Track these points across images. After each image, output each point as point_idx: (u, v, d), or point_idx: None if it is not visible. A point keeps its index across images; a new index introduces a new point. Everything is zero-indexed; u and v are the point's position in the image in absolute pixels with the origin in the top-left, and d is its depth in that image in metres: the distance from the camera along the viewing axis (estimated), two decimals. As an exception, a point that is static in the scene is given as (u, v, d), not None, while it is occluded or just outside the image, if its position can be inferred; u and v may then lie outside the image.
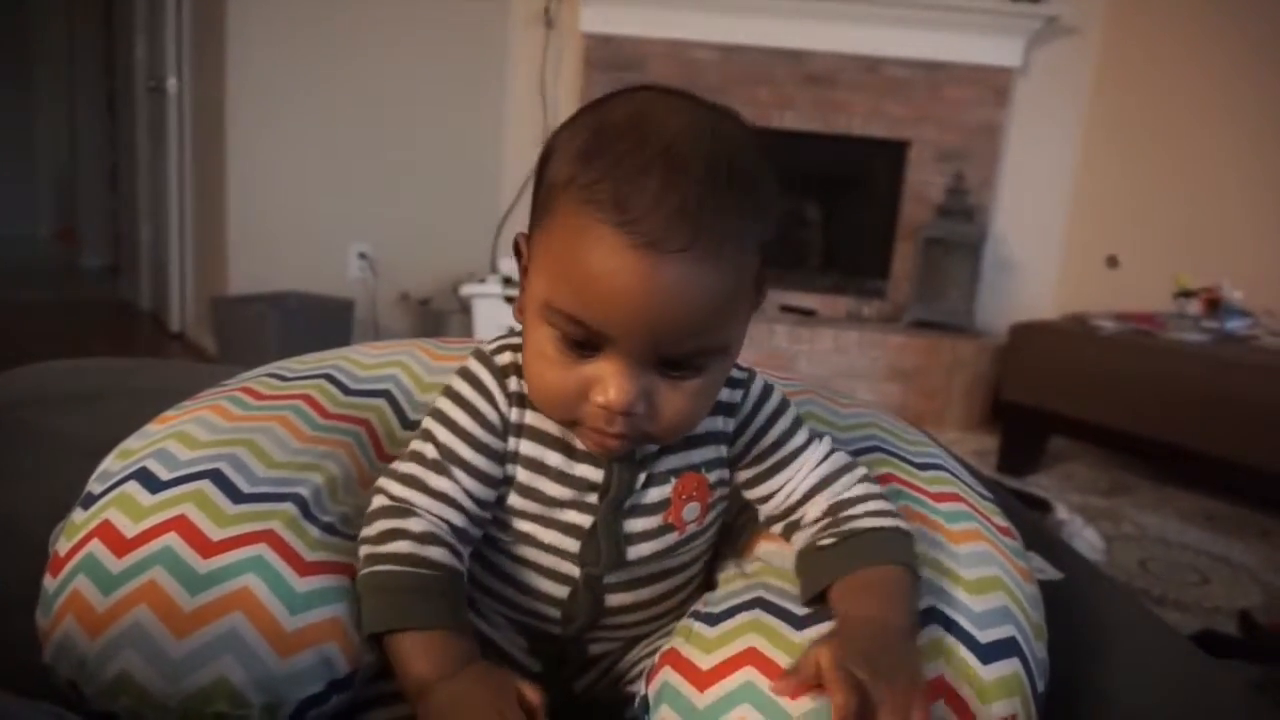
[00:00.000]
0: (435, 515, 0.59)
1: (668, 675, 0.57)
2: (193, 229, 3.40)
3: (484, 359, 0.62)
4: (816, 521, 0.63)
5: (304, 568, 0.59)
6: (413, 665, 0.54)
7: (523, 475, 0.61)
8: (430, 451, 0.61)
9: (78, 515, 0.64)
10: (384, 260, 3.31)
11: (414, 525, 0.58)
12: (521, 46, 3.51)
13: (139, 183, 3.80)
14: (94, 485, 0.66)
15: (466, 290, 2.96)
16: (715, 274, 0.51)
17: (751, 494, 0.66)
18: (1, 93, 5.35)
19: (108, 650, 0.55)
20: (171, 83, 3.31)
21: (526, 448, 0.61)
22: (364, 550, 0.59)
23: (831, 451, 0.65)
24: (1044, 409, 2.75)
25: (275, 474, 0.65)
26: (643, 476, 0.61)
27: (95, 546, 0.60)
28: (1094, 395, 2.62)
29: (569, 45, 3.48)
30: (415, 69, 3.29)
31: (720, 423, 0.64)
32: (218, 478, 0.63)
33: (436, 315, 3.22)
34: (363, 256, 3.30)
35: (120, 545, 0.59)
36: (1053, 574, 0.78)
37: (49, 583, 0.60)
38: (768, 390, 0.66)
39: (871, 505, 0.63)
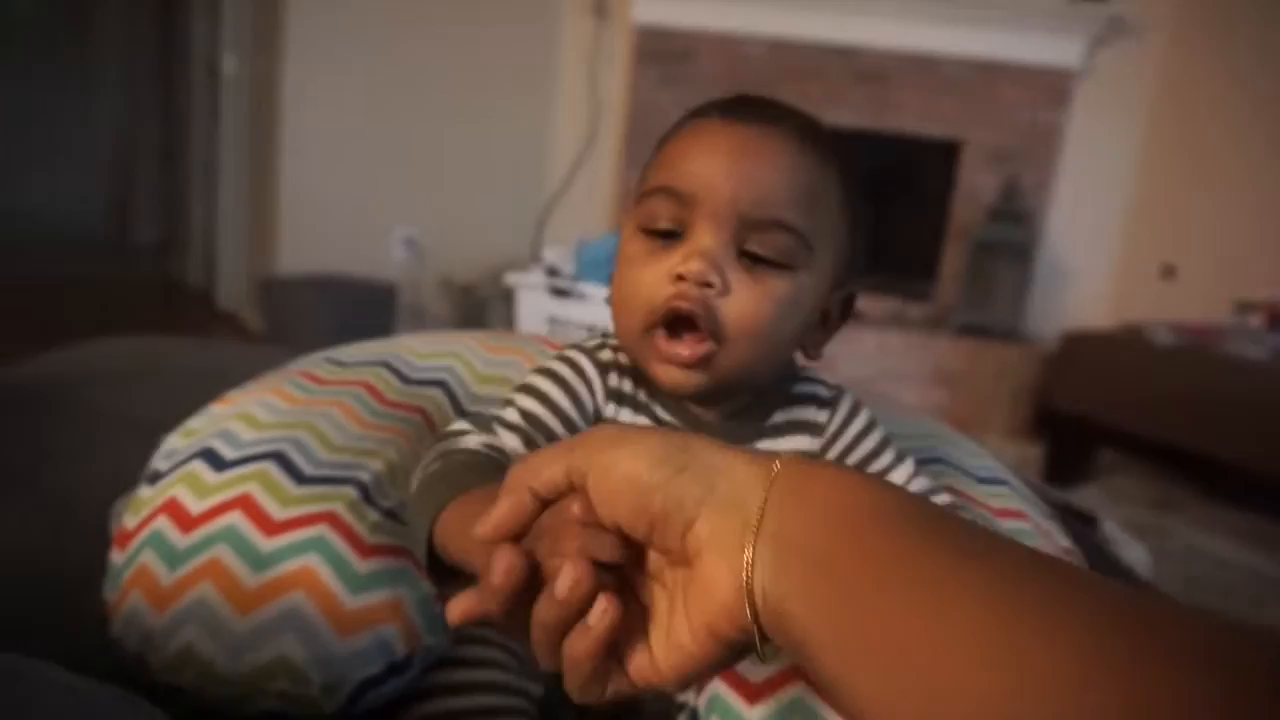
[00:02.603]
0: (499, 442, 0.57)
1: (717, 687, 0.57)
2: (244, 209, 3.45)
3: (586, 351, 0.62)
4: None
5: (365, 549, 0.59)
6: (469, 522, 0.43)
7: None
8: (511, 415, 0.59)
9: (144, 491, 0.65)
10: (429, 246, 3.34)
11: (476, 438, 0.56)
12: (573, 36, 3.51)
13: (192, 161, 3.86)
14: (160, 462, 0.67)
15: (510, 279, 2.97)
16: (801, 158, 0.55)
17: None
18: (60, 68, 5.47)
19: (173, 625, 0.56)
20: (228, 61, 3.36)
21: None
22: (416, 472, 0.55)
23: (915, 474, 0.64)
24: (1093, 419, 2.69)
25: (337, 458, 0.66)
26: None
27: (162, 522, 0.61)
28: (1145, 408, 2.56)
29: (620, 36, 3.47)
30: (467, 56, 3.30)
31: (808, 443, 0.63)
32: (280, 459, 0.64)
33: (479, 303, 3.24)
34: (408, 241, 3.33)
35: (186, 522, 0.60)
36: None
37: (116, 556, 0.61)
38: (855, 409, 0.65)
39: None
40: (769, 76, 3.31)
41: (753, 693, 0.55)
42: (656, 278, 0.54)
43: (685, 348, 0.54)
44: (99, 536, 0.67)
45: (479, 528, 0.38)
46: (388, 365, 0.79)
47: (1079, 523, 1.80)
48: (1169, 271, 3.30)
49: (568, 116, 3.55)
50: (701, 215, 0.54)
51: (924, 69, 3.33)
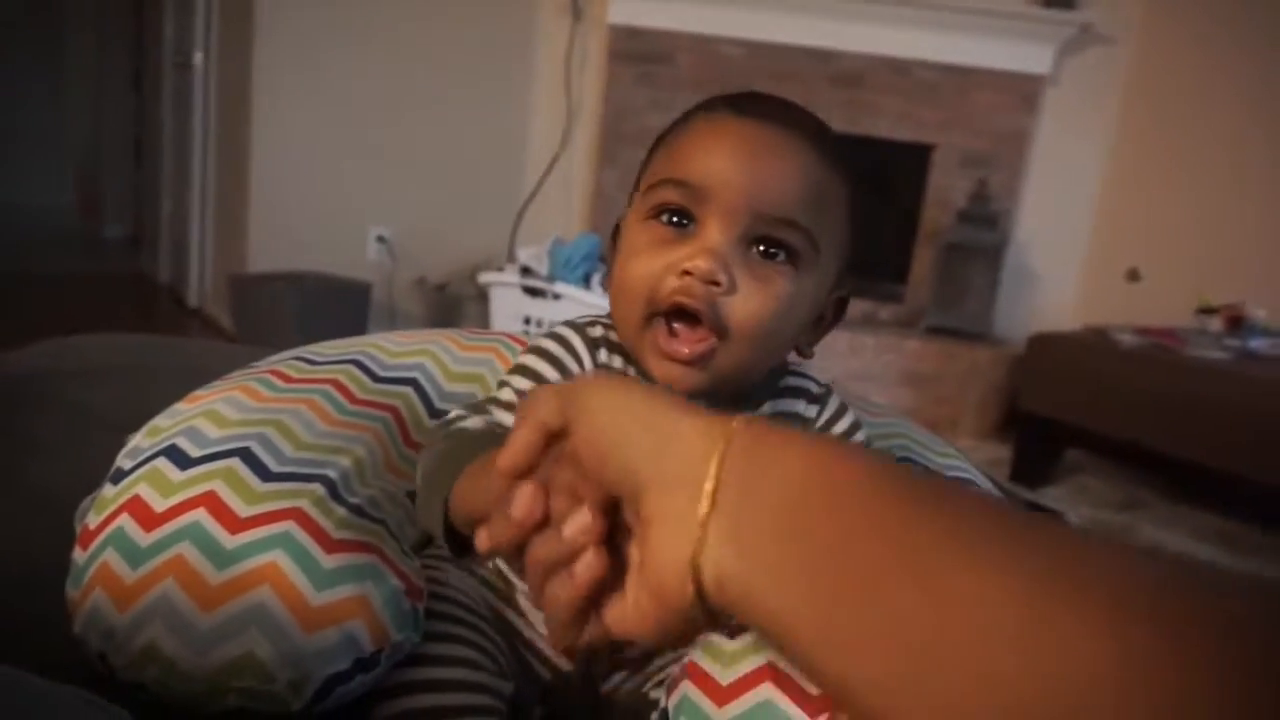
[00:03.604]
0: (504, 422, 0.57)
1: (687, 689, 0.57)
2: (214, 205, 3.41)
3: (576, 328, 0.63)
4: None
5: (331, 545, 0.59)
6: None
7: None
8: (506, 395, 0.59)
9: (108, 490, 0.64)
10: (402, 244, 3.32)
11: (479, 419, 0.56)
12: (548, 36, 3.51)
13: (162, 157, 3.81)
14: (124, 461, 0.67)
15: (485, 278, 2.96)
16: (813, 158, 0.56)
17: None
18: (30, 64, 5.38)
19: (136, 622, 0.56)
20: (198, 58, 3.32)
21: None
22: (423, 456, 0.56)
23: None
24: (1059, 420, 2.73)
25: (304, 455, 0.66)
26: None
27: (125, 521, 0.60)
28: (1111, 409, 2.60)
29: (595, 36, 3.47)
30: (441, 54, 3.29)
31: None
32: (247, 456, 0.64)
33: (453, 301, 3.23)
34: (381, 240, 3.31)
35: (150, 520, 0.60)
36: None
37: (79, 555, 0.61)
38: (842, 408, 0.66)
39: None
40: (745, 78, 3.32)
41: (722, 695, 0.55)
42: (661, 269, 0.55)
43: (686, 345, 0.55)
44: (67, 534, 0.67)
45: (499, 460, 0.38)
46: (358, 363, 0.79)
47: (1045, 522, 1.82)
48: (1133, 275, 3.36)
49: (543, 116, 3.54)
50: (713, 210, 0.54)
51: (899, 73, 3.36)
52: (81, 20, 5.26)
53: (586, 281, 2.80)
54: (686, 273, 0.53)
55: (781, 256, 0.55)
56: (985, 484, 0.77)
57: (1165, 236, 3.28)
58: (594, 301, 2.69)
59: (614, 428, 0.35)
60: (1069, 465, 2.88)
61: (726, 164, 0.54)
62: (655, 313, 0.55)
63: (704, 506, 0.31)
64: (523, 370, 0.61)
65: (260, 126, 3.03)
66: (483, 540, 0.38)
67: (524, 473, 0.37)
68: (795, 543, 0.29)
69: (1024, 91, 3.34)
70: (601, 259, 2.90)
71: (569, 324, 0.64)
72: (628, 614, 0.35)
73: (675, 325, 0.55)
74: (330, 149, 3.14)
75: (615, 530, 0.36)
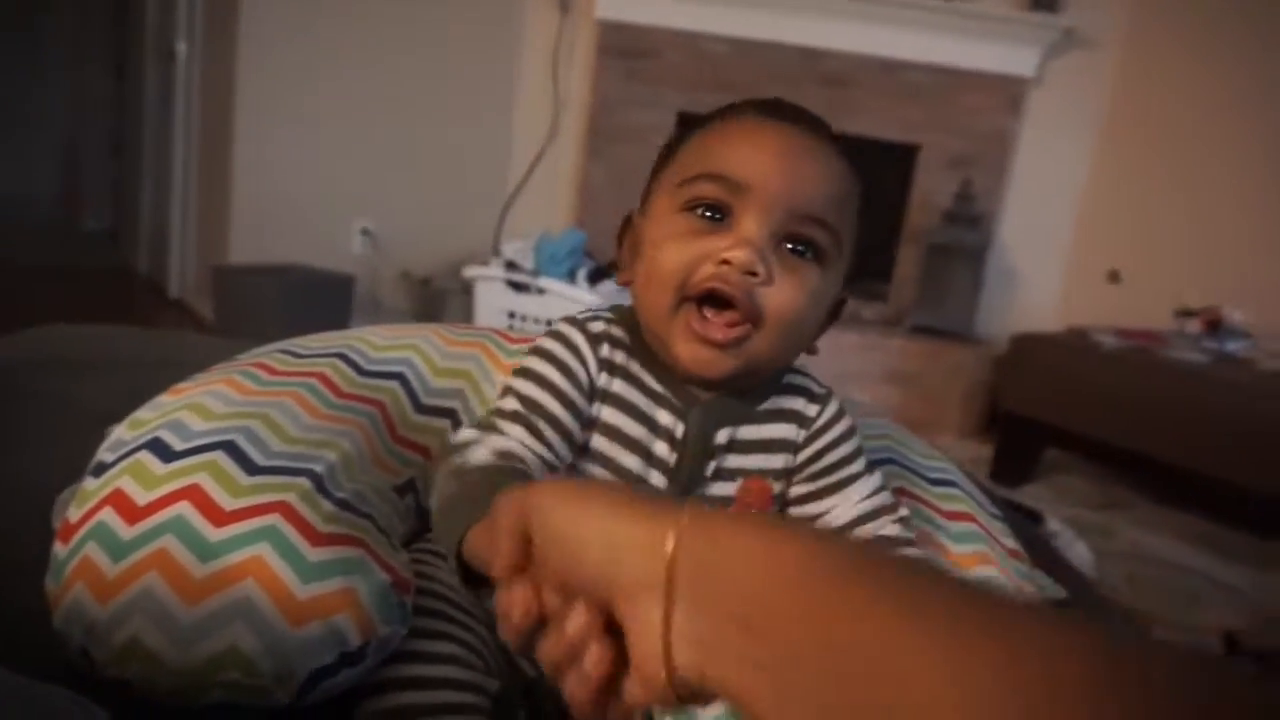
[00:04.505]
0: (507, 446, 0.57)
1: None
2: (196, 196, 3.38)
3: (577, 324, 0.63)
4: None
5: (317, 538, 0.59)
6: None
7: (599, 442, 0.62)
8: (510, 404, 0.60)
9: (89, 483, 0.63)
10: (387, 237, 3.30)
11: (482, 448, 0.56)
12: (535, 29, 3.49)
13: (144, 147, 3.77)
14: (105, 454, 0.66)
15: (469, 272, 2.95)
16: (839, 163, 0.59)
17: (795, 511, 0.67)
18: (12, 53, 5.30)
19: (118, 616, 0.55)
20: (181, 48, 3.28)
21: (609, 415, 0.62)
22: (433, 493, 0.56)
23: (880, 489, 0.66)
24: (1040, 420, 2.76)
25: (290, 449, 0.65)
26: (712, 466, 0.62)
27: (107, 514, 0.60)
28: (1091, 409, 2.63)
29: (583, 31, 3.46)
30: (428, 46, 3.27)
31: (793, 432, 0.65)
32: (232, 449, 0.63)
33: (437, 295, 3.21)
34: (365, 233, 3.28)
35: (132, 513, 0.59)
36: (1056, 592, 0.79)
37: (59, 549, 0.60)
38: (840, 412, 0.67)
39: (906, 551, 0.63)
40: (732, 76, 3.33)
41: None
42: (696, 256, 0.57)
43: (719, 329, 0.56)
44: (44, 527, 0.66)
45: (493, 571, 0.40)
46: (343, 357, 0.78)
47: (1026, 520, 1.85)
48: (1114, 277, 3.39)
49: (530, 110, 3.53)
50: (750, 204, 0.56)
51: (885, 74, 3.37)
52: (63, 11, 5.19)
53: (572, 276, 2.79)
54: (725, 262, 0.56)
55: (809, 254, 0.58)
56: (968, 484, 0.77)
57: (1147, 239, 3.31)
58: (579, 296, 2.68)
59: (571, 540, 0.36)
60: (1049, 464, 2.91)
61: (765, 162, 0.56)
62: (687, 297, 0.57)
63: (663, 607, 0.33)
64: (527, 374, 0.61)
65: (244, 117, 3.00)
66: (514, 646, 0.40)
67: (519, 570, 0.39)
68: (746, 628, 0.31)
69: (1009, 93, 3.37)
70: (588, 254, 2.89)
71: (569, 320, 0.64)
72: (636, 693, 0.37)
73: (706, 310, 0.57)
74: (315, 141, 3.11)
75: (613, 615, 0.38)
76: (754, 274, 0.56)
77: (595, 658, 0.36)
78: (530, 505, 0.39)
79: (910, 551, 0.63)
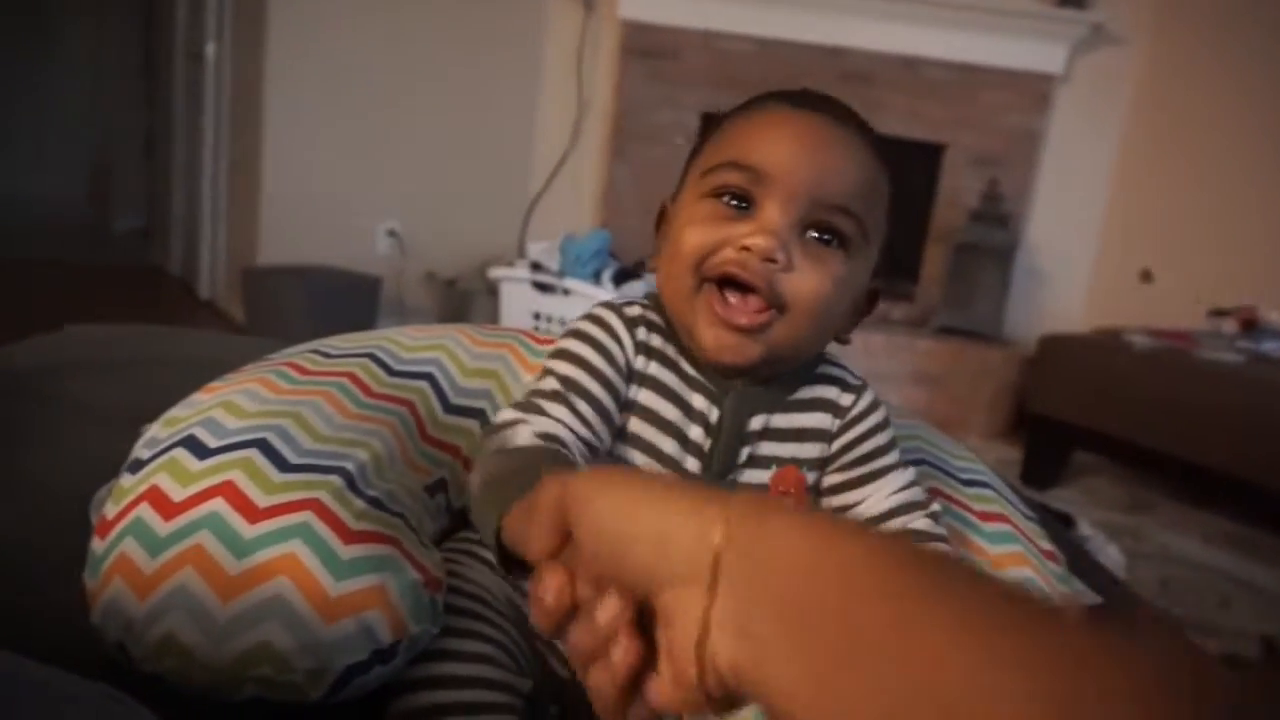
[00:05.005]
0: (549, 428, 0.57)
1: None
2: (225, 197, 3.42)
3: (613, 308, 0.64)
4: None
5: (349, 536, 0.59)
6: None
7: (635, 425, 0.62)
8: (550, 384, 0.60)
9: (126, 480, 0.64)
10: (412, 238, 3.32)
11: (525, 429, 0.56)
12: (559, 29, 3.50)
13: (174, 148, 3.82)
14: (141, 451, 0.67)
15: (495, 273, 2.96)
16: (865, 152, 0.59)
17: (827, 502, 0.66)
18: (41, 51, 5.40)
19: (155, 612, 0.56)
20: (210, 49, 3.32)
21: (645, 398, 0.62)
22: (474, 472, 0.56)
23: (913, 484, 0.65)
24: (1069, 422, 2.72)
25: (321, 447, 0.66)
26: (746, 452, 0.62)
27: (144, 510, 0.60)
28: (1121, 411, 2.59)
29: (606, 30, 3.47)
30: (452, 47, 3.29)
31: (828, 421, 0.65)
32: (265, 447, 0.64)
33: (462, 296, 3.23)
34: (392, 234, 3.31)
35: (168, 509, 0.60)
36: (1091, 598, 0.78)
37: (97, 545, 0.61)
38: (875, 403, 0.67)
39: (936, 547, 0.63)
40: (755, 75, 3.31)
41: None
42: (718, 240, 0.57)
43: (743, 314, 0.57)
44: (76, 525, 0.67)
45: (530, 552, 0.39)
46: (373, 357, 0.79)
47: (1057, 523, 1.83)
48: (1146, 276, 3.34)
49: (554, 111, 3.54)
50: (774, 193, 0.57)
51: (909, 72, 3.35)
52: (93, 13, 5.27)
53: (597, 277, 2.80)
54: (745, 249, 0.56)
55: (834, 242, 0.58)
56: (1000, 486, 0.76)
57: (1178, 238, 3.26)
58: (605, 297, 2.68)
59: (615, 529, 0.36)
60: (1078, 467, 2.87)
61: (788, 151, 0.57)
62: (706, 279, 0.58)
63: (705, 600, 0.32)
64: (564, 355, 0.62)
65: (272, 119, 3.03)
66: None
67: (555, 555, 0.39)
68: (792, 624, 0.30)
69: (1036, 91, 3.33)
70: (613, 255, 2.90)
71: (606, 304, 0.65)
72: (663, 692, 0.36)
73: (728, 293, 0.57)
74: (342, 142, 3.14)
75: (645, 610, 0.37)
76: (773, 260, 0.56)
77: (624, 650, 0.36)
78: (573, 492, 0.38)
79: (943, 548, 0.63)
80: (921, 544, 0.35)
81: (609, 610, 0.36)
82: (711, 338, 0.58)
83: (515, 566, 0.47)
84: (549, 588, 0.37)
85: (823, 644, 0.29)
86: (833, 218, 0.57)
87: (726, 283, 0.57)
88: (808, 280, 0.57)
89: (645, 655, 0.36)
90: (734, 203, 0.58)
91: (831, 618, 0.29)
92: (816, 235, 0.58)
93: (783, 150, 0.57)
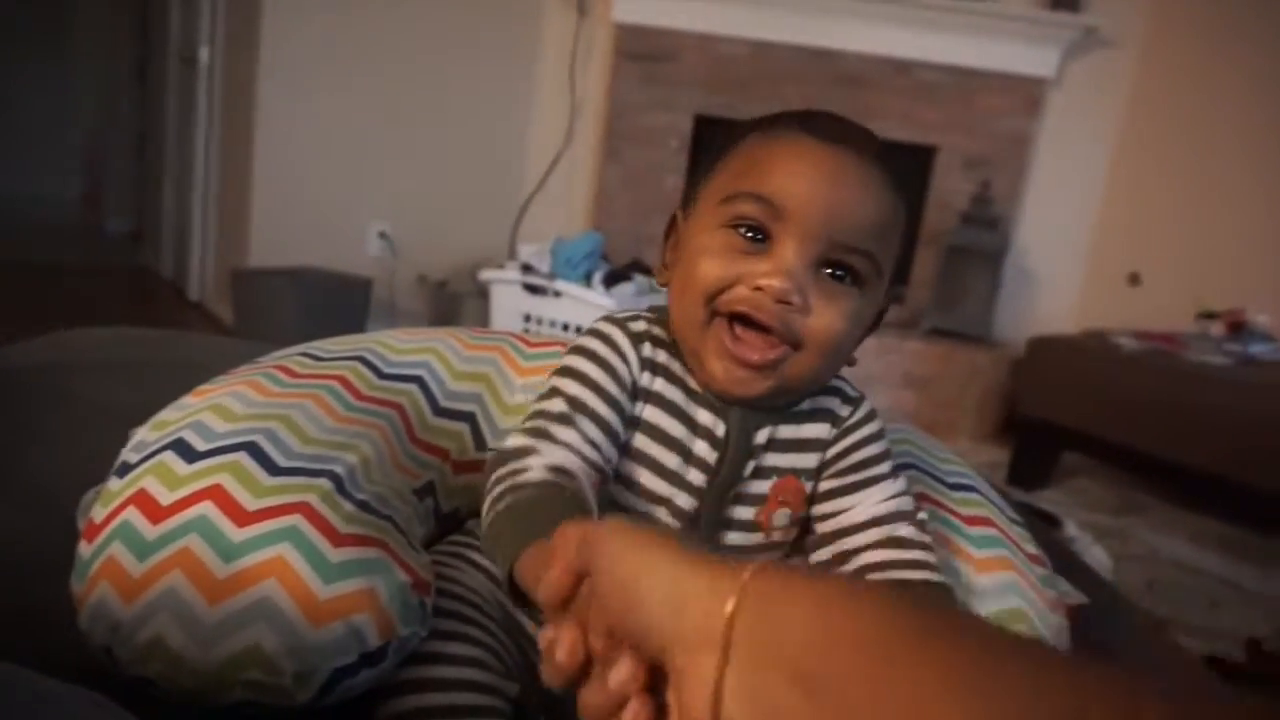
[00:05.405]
0: (560, 459, 0.57)
1: None
2: (216, 199, 3.41)
3: (617, 323, 0.64)
4: (859, 551, 0.63)
5: (338, 539, 0.59)
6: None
7: (640, 441, 0.62)
8: (557, 405, 0.60)
9: (113, 483, 0.64)
10: (403, 241, 3.32)
11: (537, 460, 0.56)
12: (552, 32, 3.51)
13: (166, 151, 3.81)
14: (129, 455, 0.67)
15: (485, 275, 2.96)
16: (884, 188, 0.58)
17: (818, 508, 0.67)
18: (36, 53, 5.38)
19: (142, 616, 0.56)
20: (203, 53, 3.32)
21: (650, 414, 0.62)
22: (486, 502, 0.56)
23: (903, 493, 0.66)
24: (1058, 424, 2.74)
25: (311, 450, 0.66)
26: (751, 465, 0.63)
27: (131, 514, 0.60)
28: (1110, 413, 2.60)
29: (600, 34, 3.47)
30: (445, 50, 3.29)
31: (826, 431, 0.66)
32: (254, 450, 0.64)
33: (453, 298, 3.23)
34: (382, 236, 3.31)
35: (156, 513, 0.60)
36: (1077, 598, 0.78)
37: (84, 549, 0.61)
38: (872, 414, 0.68)
39: (917, 554, 0.63)
40: (749, 78, 3.32)
41: None
42: (732, 276, 0.57)
43: (755, 351, 0.57)
44: (70, 527, 0.67)
45: (541, 594, 0.39)
46: (363, 360, 0.79)
47: (1044, 524, 1.84)
48: (1135, 280, 3.36)
49: (546, 113, 3.54)
50: (791, 230, 0.56)
51: (902, 75, 3.36)
52: (87, 16, 5.26)
53: (588, 280, 2.80)
54: (759, 288, 0.56)
55: (848, 279, 0.58)
56: (987, 489, 0.77)
57: (1167, 241, 3.28)
58: (595, 300, 2.69)
59: (632, 585, 0.36)
60: (1067, 469, 2.89)
61: (809, 188, 0.56)
62: (718, 312, 0.58)
63: (718, 666, 0.32)
64: (570, 373, 0.61)
65: (264, 121, 3.03)
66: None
67: (564, 603, 0.39)
68: (805, 692, 0.31)
69: (1027, 94, 3.35)
70: (604, 257, 2.90)
71: (610, 319, 0.64)
72: None
73: (739, 330, 0.57)
74: (333, 145, 3.14)
75: (657, 672, 0.37)
76: (789, 303, 0.56)
77: (635, 710, 0.36)
78: (593, 546, 0.38)
79: (925, 556, 0.63)
80: (935, 606, 0.35)
81: (622, 673, 0.36)
82: (722, 370, 0.58)
83: (527, 603, 0.47)
84: (563, 645, 0.37)
85: (835, 712, 0.30)
86: (849, 257, 0.57)
87: (739, 317, 0.57)
88: (821, 319, 0.57)
89: (656, 717, 0.36)
90: (750, 234, 0.57)
91: (844, 686, 0.30)
92: (830, 272, 0.58)
93: (803, 186, 0.56)
